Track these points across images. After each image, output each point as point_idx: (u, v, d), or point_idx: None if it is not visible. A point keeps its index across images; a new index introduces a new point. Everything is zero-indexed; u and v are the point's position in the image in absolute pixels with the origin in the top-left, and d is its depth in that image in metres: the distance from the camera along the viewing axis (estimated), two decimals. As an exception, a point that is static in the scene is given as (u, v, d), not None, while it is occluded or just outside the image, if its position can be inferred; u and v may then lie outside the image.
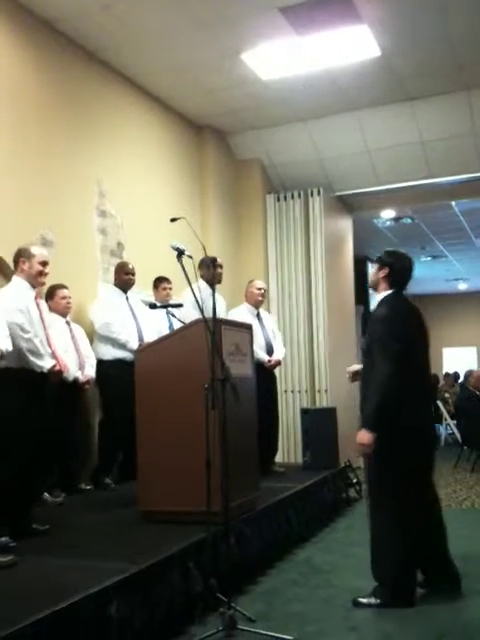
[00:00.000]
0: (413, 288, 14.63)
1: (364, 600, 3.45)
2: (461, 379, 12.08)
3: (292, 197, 7.52)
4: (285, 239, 7.44)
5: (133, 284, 5.41)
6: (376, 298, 3.64)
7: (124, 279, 5.36)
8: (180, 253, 3.42)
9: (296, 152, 7.49)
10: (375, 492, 3.54)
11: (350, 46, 5.63)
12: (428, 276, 14.61)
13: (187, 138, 6.99)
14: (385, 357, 3.32)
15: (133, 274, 5.38)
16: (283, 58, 5.77)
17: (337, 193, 7.83)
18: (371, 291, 3.72)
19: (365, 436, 3.37)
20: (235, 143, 7.52)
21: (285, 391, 6.89)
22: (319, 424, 5.89)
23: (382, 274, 3.55)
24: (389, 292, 3.54)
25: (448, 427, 10.57)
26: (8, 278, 4.18)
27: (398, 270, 3.54)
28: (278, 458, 6.10)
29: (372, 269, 3.67)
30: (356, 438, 3.43)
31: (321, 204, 7.42)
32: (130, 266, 5.40)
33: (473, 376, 11.90)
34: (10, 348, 3.48)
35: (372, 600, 3.43)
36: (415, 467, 3.44)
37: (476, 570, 4.07)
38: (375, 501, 3.53)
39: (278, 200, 7.60)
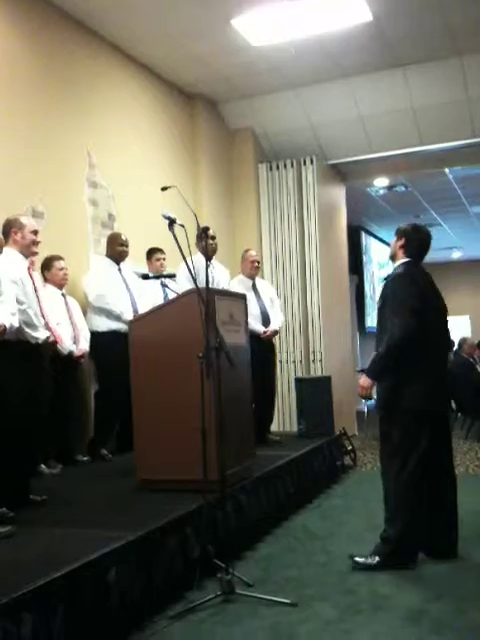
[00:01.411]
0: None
1: (361, 560, 3.52)
2: (455, 347, 12.13)
3: (285, 166, 7.46)
4: (278, 208, 7.39)
5: (126, 255, 5.38)
6: (394, 264, 3.75)
7: (117, 250, 5.33)
8: (171, 222, 3.41)
9: (288, 120, 7.41)
10: (384, 448, 3.59)
11: (342, 11, 5.54)
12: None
13: (178, 107, 6.90)
14: (398, 312, 3.40)
15: (126, 245, 5.35)
16: (274, 24, 5.68)
17: (330, 161, 7.77)
18: (389, 262, 3.85)
19: (366, 380, 3.50)
20: (227, 112, 7.43)
21: (280, 360, 6.91)
22: (314, 393, 5.92)
23: (400, 244, 3.68)
24: (406, 259, 3.66)
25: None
26: (-1, 250, 4.15)
27: (415, 240, 3.66)
28: (274, 427, 6.15)
29: (392, 240, 3.79)
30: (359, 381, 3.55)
31: (314, 173, 7.37)
32: (123, 237, 5.36)
33: (467, 343, 11.98)
34: (16, 325, 3.47)
35: (369, 560, 3.49)
36: (427, 427, 3.47)
37: (469, 534, 4.14)
38: (384, 457, 3.60)
39: (271, 169, 7.54)
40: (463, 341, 12.29)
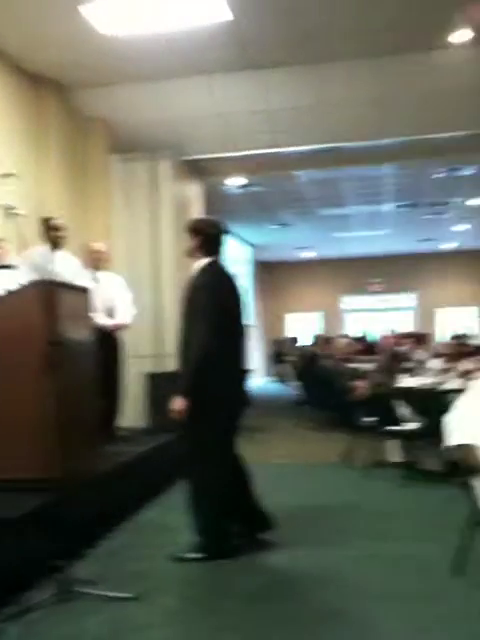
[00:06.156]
0: (260, 255, 15.08)
1: (185, 555, 3.59)
2: (304, 343, 12.68)
3: (139, 159, 7.39)
4: (132, 201, 7.31)
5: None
6: (194, 266, 3.68)
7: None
8: (8, 211, 3.28)
9: (144, 113, 7.33)
10: (188, 451, 3.68)
11: (201, 8, 5.56)
12: (275, 244, 15.07)
13: (24, 91, 6.57)
14: (203, 327, 3.42)
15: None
16: (130, 15, 5.59)
17: (186, 157, 7.80)
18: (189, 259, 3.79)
19: (179, 402, 3.48)
20: (79, 99, 7.22)
21: (132, 356, 6.83)
22: (163, 388, 5.91)
23: (196, 242, 3.62)
24: (207, 260, 3.62)
25: (292, 387, 11.06)
26: None
27: (210, 237, 3.63)
28: (124, 423, 6.08)
29: (188, 238, 3.71)
30: (171, 404, 3.53)
31: (169, 167, 7.36)
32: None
33: (320, 339, 12.57)
34: None
35: (192, 555, 3.58)
36: (225, 428, 3.61)
37: (304, 520, 4.37)
38: (189, 460, 3.68)
39: (125, 161, 7.43)
40: (317, 337, 12.93)
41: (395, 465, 5.77)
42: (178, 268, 7.30)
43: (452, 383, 5.53)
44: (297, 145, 7.61)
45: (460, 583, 3.22)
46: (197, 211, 8.47)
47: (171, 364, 7.00)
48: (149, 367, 6.73)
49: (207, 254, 3.61)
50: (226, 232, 3.72)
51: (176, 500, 4.96)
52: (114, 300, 5.63)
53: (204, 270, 3.59)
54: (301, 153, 7.77)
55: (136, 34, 5.93)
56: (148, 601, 3.09)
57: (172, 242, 7.27)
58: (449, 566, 3.32)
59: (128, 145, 7.60)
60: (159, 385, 5.99)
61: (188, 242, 3.67)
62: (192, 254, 3.66)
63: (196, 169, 8.26)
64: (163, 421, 5.84)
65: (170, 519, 4.45)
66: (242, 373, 3.79)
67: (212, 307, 3.43)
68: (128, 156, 7.45)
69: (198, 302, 3.49)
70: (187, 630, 2.83)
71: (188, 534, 3.70)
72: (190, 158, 7.81)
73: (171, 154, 7.42)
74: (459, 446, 3.08)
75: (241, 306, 3.74)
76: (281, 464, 6.20)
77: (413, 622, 2.84)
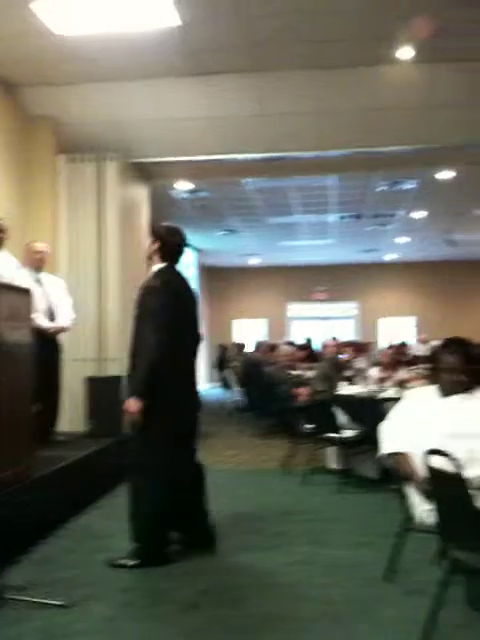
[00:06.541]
0: (207, 260, 15.11)
1: (121, 561, 3.57)
2: (250, 349, 12.74)
3: (86, 160, 7.31)
4: (77, 202, 7.20)
5: None
6: (151, 270, 3.73)
7: None
8: None
9: (92, 113, 7.27)
10: (135, 455, 3.66)
11: (151, 12, 5.56)
12: (222, 250, 15.12)
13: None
14: (154, 328, 3.44)
15: None
16: (80, 14, 5.53)
17: (133, 160, 7.75)
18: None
19: (133, 404, 3.47)
20: (26, 97, 7.10)
21: (73, 359, 6.74)
22: (104, 392, 5.88)
23: (155, 247, 3.66)
24: (162, 265, 3.66)
25: (235, 394, 11.08)
26: None
27: (169, 244, 3.67)
28: (63, 427, 5.99)
29: (147, 242, 3.77)
30: (125, 406, 3.53)
31: (116, 169, 7.30)
32: None
33: (262, 346, 12.64)
34: None
35: (128, 561, 3.56)
36: (175, 433, 3.61)
37: (242, 526, 4.39)
38: (134, 464, 3.67)
39: (72, 162, 7.34)
40: (259, 344, 13.00)
41: (333, 472, 5.86)
42: (123, 271, 7.24)
43: (389, 392, 5.66)
44: (243, 153, 7.66)
45: (392, 589, 3.29)
46: (144, 214, 8.43)
47: (113, 368, 6.97)
48: (91, 371, 6.64)
49: (164, 260, 3.66)
50: (185, 241, 3.78)
51: (113, 506, 4.93)
52: (55, 302, 5.55)
53: (158, 274, 3.63)
54: (247, 161, 7.83)
55: (87, 34, 5.89)
56: (81, 608, 3.05)
57: (118, 244, 7.21)
58: (382, 572, 3.39)
59: (75, 145, 7.51)
60: (100, 389, 5.92)
61: (148, 247, 3.72)
62: (149, 258, 3.70)
63: (143, 172, 8.22)
64: (103, 426, 5.81)
65: (106, 525, 4.41)
66: (194, 378, 3.81)
67: (164, 309, 3.46)
68: (75, 156, 7.36)
69: (150, 305, 3.51)
70: (120, 637, 2.81)
71: (123, 540, 3.68)
72: (137, 161, 7.77)
73: (118, 156, 7.36)
74: (392, 454, 3.15)
75: (195, 312, 3.78)
76: (222, 470, 6.21)
77: (345, 627, 2.89)
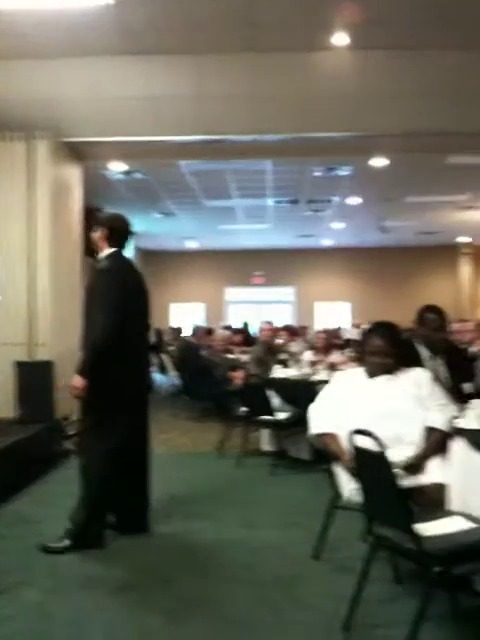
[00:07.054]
0: (144, 243, 14.88)
1: (53, 545, 3.56)
2: (187, 333, 12.71)
3: (16, 138, 7.07)
4: (6, 181, 6.96)
5: None
6: (99, 256, 3.83)
7: None
8: None
9: (22, 90, 7.02)
10: (82, 437, 3.68)
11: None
12: (158, 232, 14.95)
13: None
14: (103, 309, 3.50)
15: None
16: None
17: (65, 139, 7.56)
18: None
19: (78, 380, 3.51)
20: None
21: (2, 344, 6.56)
22: (34, 377, 5.77)
23: (103, 235, 3.76)
24: (111, 250, 3.75)
25: (171, 378, 11.05)
26: None
27: (117, 230, 3.79)
28: (-8, 412, 5.86)
29: (94, 231, 3.85)
30: (72, 382, 3.56)
31: (47, 148, 7.11)
32: None
33: (199, 331, 12.63)
34: None
35: (62, 543, 3.55)
36: (124, 414, 3.62)
37: (174, 510, 4.41)
38: (82, 443, 3.70)
39: (1, 140, 7.10)
40: (196, 328, 12.98)
41: (267, 454, 5.93)
42: (54, 253, 7.07)
43: (321, 374, 5.75)
44: (178, 134, 7.56)
45: (319, 566, 3.37)
46: (77, 195, 8.25)
47: (43, 353, 6.82)
48: (20, 355, 6.47)
49: (111, 246, 3.75)
50: (131, 227, 3.88)
51: (45, 492, 4.87)
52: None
53: (107, 258, 3.73)
54: (183, 143, 7.74)
55: (17, 9, 5.69)
56: (11, 594, 3.04)
57: (48, 226, 7.02)
58: (311, 551, 3.47)
59: (3, 123, 7.26)
60: (30, 374, 5.80)
61: (94, 235, 3.81)
62: (97, 246, 3.80)
63: (76, 152, 8.03)
64: (33, 411, 5.70)
65: (37, 511, 4.36)
66: (144, 360, 3.89)
67: (114, 291, 3.54)
68: (4, 134, 7.12)
69: (100, 286, 3.60)
70: (49, 621, 2.79)
71: (55, 526, 3.65)
72: (70, 140, 7.58)
73: (49, 135, 7.16)
74: (320, 435, 3.21)
75: (145, 296, 3.86)
76: (156, 454, 6.16)
77: (270, 605, 2.94)
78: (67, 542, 3.54)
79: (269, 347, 7.05)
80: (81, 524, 3.56)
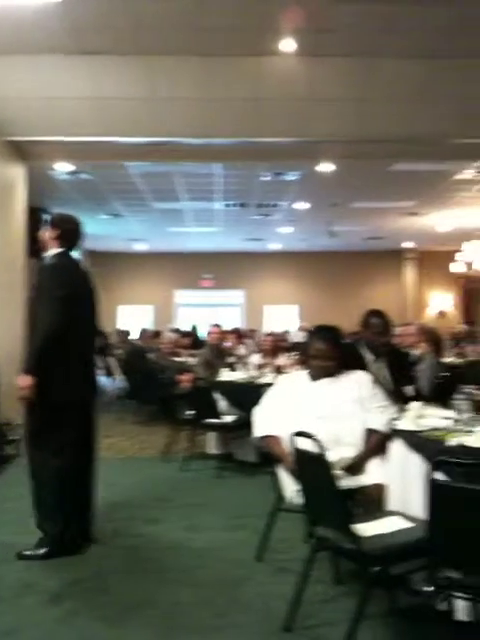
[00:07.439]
0: (91, 244, 14.62)
1: (29, 552, 3.49)
2: (135, 336, 12.60)
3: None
4: None
5: None
6: (46, 255, 3.77)
7: None
8: None
9: (-37, 87, 6.87)
10: (33, 442, 3.58)
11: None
12: (106, 234, 14.77)
13: None
14: (49, 305, 3.45)
15: None
16: None
17: (8, 138, 7.41)
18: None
19: (24, 379, 3.42)
20: None
21: None
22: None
23: (52, 235, 3.71)
24: (59, 250, 3.71)
25: (117, 381, 10.93)
26: None
27: (67, 231, 3.75)
28: None
29: (43, 231, 3.79)
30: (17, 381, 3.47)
31: (-10, 147, 6.97)
32: None
33: (146, 333, 12.54)
34: None
35: (38, 551, 3.48)
36: (70, 415, 3.54)
37: (117, 514, 4.35)
38: (33, 451, 3.58)
39: None
40: (143, 331, 12.88)
41: (213, 457, 5.92)
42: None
43: (267, 377, 5.78)
44: (126, 136, 7.51)
45: (261, 568, 3.38)
46: (20, 194, 8.09)
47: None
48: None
49: (61, 247, 3.71)
50: (82, 228, 3.84)
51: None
52: None
53: (54, 257, 3.68)
54: (131, 144, 7.69)
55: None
56: None
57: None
58: (253, 553, 3.47)
59: None
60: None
61: (43, 234, 3.75)
62: (46, 246, 3.74)
63: (20, 151, 7.88)
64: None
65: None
66: (90, 362, 3.81)
67: (59, 289, 3.48)
68: None
69: (45, 282, 3.55)
70: (-17, 632, 2.72)
71: (2, 532, 3.57)
72: (13, 139, 7.44)
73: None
74: (264, 437, 3.23)
75: (93, 297, 3.81)
76: (101, 458, 6.10)
77: (212, 608, 2.94)
78: (43, 550, 3.47)
79: (217, 350, 7.05)
80: (56, 534, 3.49)
